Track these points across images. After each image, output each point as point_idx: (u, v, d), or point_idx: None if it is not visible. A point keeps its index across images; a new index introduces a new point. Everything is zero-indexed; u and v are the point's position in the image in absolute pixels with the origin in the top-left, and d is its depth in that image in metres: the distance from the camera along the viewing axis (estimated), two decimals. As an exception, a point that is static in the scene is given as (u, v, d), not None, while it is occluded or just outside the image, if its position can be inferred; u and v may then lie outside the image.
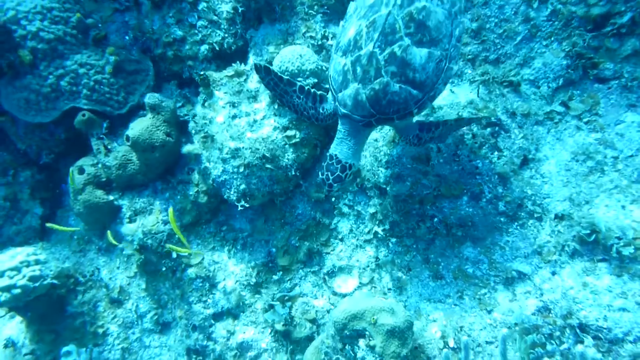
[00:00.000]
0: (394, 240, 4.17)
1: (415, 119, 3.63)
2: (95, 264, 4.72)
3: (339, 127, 3.51)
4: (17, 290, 3.97)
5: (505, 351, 2.40)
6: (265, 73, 3.73)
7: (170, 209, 3.83)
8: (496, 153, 3.78)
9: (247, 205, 4.19)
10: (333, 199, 4.26)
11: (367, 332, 3.33)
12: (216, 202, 4.53)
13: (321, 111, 3.73)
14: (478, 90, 3.90)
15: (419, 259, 4.11)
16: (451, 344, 3.57)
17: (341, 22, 3.52)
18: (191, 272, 4.50)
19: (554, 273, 3.62)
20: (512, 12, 3.89)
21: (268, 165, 4.07)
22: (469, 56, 4.01)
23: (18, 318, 4.79)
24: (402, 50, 3.05)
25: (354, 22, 3.30)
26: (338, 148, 3.50)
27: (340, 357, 3.49)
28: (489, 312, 3.69)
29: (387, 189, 3.99)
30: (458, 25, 3.16)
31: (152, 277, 4.60)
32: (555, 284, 3.59)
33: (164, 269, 4.47)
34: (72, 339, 4.49)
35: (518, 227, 3.78)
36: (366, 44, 3.13)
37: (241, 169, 4.06)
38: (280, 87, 3.78)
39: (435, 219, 3.87)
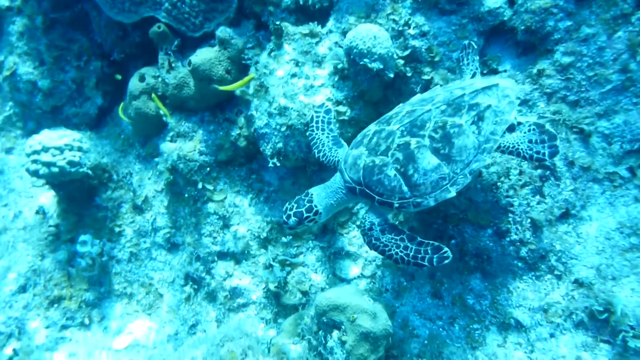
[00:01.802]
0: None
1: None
2: (131, 168, 4.94)
3: (334, 177, 3.50)
4: (55, 169, 4.23)
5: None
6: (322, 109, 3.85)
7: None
8: (538, 197, 3.57)
9: (278, 165, 4.21)
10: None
11: (343, 326, 3.33)
12: (254, 150, 4.57)
13: (333, 152, 3.67)
14: (544, 128, 3.65)
15: (426, 272, 4.02)
16: (424, 364, 3.53)
17: (400, 104, 3.54)
18: (210, 206, 4.63)
19: (552, 335, 3.46)
20: (611, 58, 3.55)
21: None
22: (548, 90, 3.73)
23: (52, 192, 5.15)
24: (416, 146, 3.09)
25: (405, 105, 3.42)
26: (318, 191, 3.48)
27: (312, 339, 3.54)
28: (474, 348, 3.60)
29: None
30: (479, 160, 3.13)
31: (175, 199, 4.77)
32: (549, 346, 3.43)
33: (187, 195, 4.62)
34: (92, 227, 4.78)
35: (533, 278, 3.60)
36: (394, 123, 3.23)
37: (283, 128, 4.06)
38: (320, 116, 3.84)
39: (453, 241, 3.75)
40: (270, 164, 4.19)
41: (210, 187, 4.62)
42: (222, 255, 4.66)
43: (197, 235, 4.70)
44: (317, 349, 3.50)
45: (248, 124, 4.40)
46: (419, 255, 3.15)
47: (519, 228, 3.56)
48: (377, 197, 3.21)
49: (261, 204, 4.69)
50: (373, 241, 3.30)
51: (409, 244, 3.22)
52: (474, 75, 3.62)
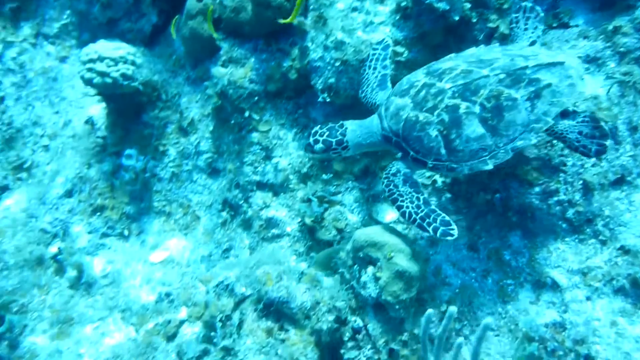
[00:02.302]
0: (448, 195, 4.05)
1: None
2: (180, 90, 4.97)
3: (370, 118, 3.42)
4: (109, 80, 4.29)
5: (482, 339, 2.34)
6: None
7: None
8: (593, 160, 3.45)
9: (328, 100, 4.16)
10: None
11: (379, 263, 3.36)
12: (303, 84, 4.51)
13: (374, 94, 3.59)
14: (610, 89, 3.47)
15: (464, 224, 3.98)
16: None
17: (452, 54, 3.38)
18: (255, 136, 4.65)
19: (588, 298, 3.42)
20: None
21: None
22: (621, 49, 3.53)
23: (102, 104, 5.24)
24: (465, 111, 2.99)
25: (458, 59, 3.24)
26: (353, 127, 3.40)
27: (346, 272, 3.59)
28: (505, 302, 3.59)
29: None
30: (525, 138, 3.01)
31: (220, 124, 4.80)
32: (584, 308, 3.40)
33: (233, 122, 4.63)
34: (137, 144, 4.87)
35: (576, 240, 3.53)
36: (447, 80, 3.08)
37: (337, 63, 3.99)
38: (376, 54, 3.72)
39: (498, 195, 3.68)
40: (320, 99, 4.15)
41: (257, 117, 4.62)
42: (261, 186, 4.71)
43: (239, 163, 4.75)
44: (349, 283, 3.56)
45: (301, 56, 4.33)
46: (427, 220, 3.09)
47: (569, 189, 3.46)
48: (412, 153, 3.17)
49: (305, 140, 4.67)
50: (391, 186, 3.25)
51: (422, 205, 3.16)
52: (532, 44, 3.43)
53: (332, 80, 4.06)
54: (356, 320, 3.49)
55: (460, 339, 2.23)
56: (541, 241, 3.62)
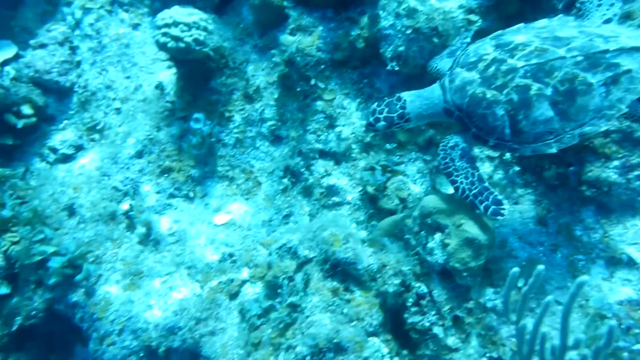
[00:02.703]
0: (517, 169, 3.99)
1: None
2: (247, 57, 5.05)
3: (431, 88, 3.34)
4: (182, 45, 4.42)
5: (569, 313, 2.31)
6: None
7: None
8: (679, 134, 3.31)
9: (397, 69, 4.15)
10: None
11: (447, 230, 3.37)
12: (370, 53, 4.50)
13: (440, 64, 3.55)
14: None
15: (532, 198, 3.93)
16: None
17: (521, 25, 3.26)
18: (319, 104, 4.69)
19: (665, 277, 3.32)
20: None
21: (435, 40, 3.92)
22: None
23: (172, 70, 5.40)
24: (537, 92, 2.89)
25: (530, 32, 3.11)
26: (412, 98, 3.32)
27: (412, 239, 3.62)
28: (575, 277, 3.53)
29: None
30: (594, 125, 2.93)
31: (285, 92, 4.87)
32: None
33: (299, 89, 4.69)
34: (204, 109, 5.00)
35: (654, 218, 3.42)
36: (519, 58, 2.97)
37: (408, 31, 3.96)
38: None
39: (572, 168, 3.60)
40: (389, 67, 4.14)
41: (322, 85, 4.66)
42: (323, 154, 4.77)
43: (302, 131, 4.81)
44: (414, 249, 3.59)
45: (371, 24, 4.31)
46: (479, 197, 3.11)
47: (652, 164, 3.34)
48: (474, 129, 3.13)
49: (365, 118, 4.68)
50: (447, 160, 3.22)
51: (476, 182, 3.16)
52: (607, 21, 3.27)
53: (401, 48, 4.03)
54: (420, 287, 3.53)
55: (550, 297, 2.22)
56: (617, 217, 3.52)
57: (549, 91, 2.90)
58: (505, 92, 2.97)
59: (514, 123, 2.98)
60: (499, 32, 3.30)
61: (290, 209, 4.90)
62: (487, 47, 3.18)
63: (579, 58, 2.91)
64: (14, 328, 4.80)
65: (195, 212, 5.08)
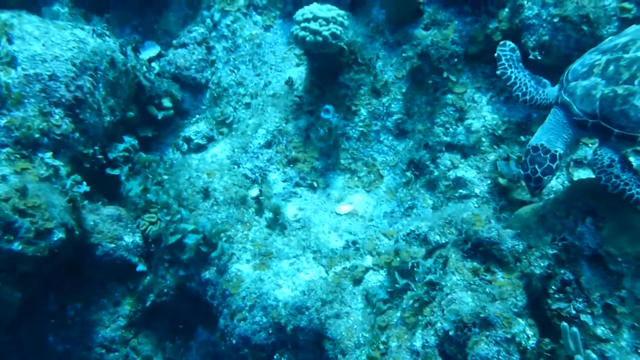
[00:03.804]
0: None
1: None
2: (376, 53, 5.23)
3: (549, 117, 3.29)
4: (320, 38, 4.67)
5: None
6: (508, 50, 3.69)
7: None
8: None
9: (540, 58, 4.13)
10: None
11: (600, 214, 3.27)
12: (507, 46, 4.51)
13: (540, 92, 3.49)
14: None
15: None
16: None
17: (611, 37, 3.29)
18: (449, 97, 4.75)
19: None
20: None
21: (584, 28, 3.87)
22: None
23: (300, 68, 5.71)
24: None
25: (628, 35, 3.14)
26: (544, 137, 3.24)
27: (557, 223, 3.53)
28: None
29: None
30: None
31: (415, 86, 4.98)
32: None
33: (430, 82, 4.78)
34: (331, 103, 5.21)
35: None
36: (636, 51, 2.97)
37: (555, 19, 3.94)
38: (509, 57, 3.68)
39: None
40: (531, 56, 4.13)
41: (454, 79, 4.72)
42: (451, 147, 4.80)
43: (430, 124, 4.88)
44: (561, 234, 3.49)
45: (512, 15, 4.33)
46: None
47: None
48: (616, 131, 3.01)
49: (500, 104, 4.67)
50: (613, 179, 3.05)
51: None
52: None
53: (546, 37, 4.02)
54: (566, 273, 3.42)
55: None
56: None
57: None
58: (637, 82, 2.92)
59: None
60: (594, 47, 3.30)
61: (412, 202, 4.95)
62: (592, 57, 3.18)
63: None
64: (148, 304, 5.19)
65: (319, 202, 5.26)
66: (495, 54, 3.72)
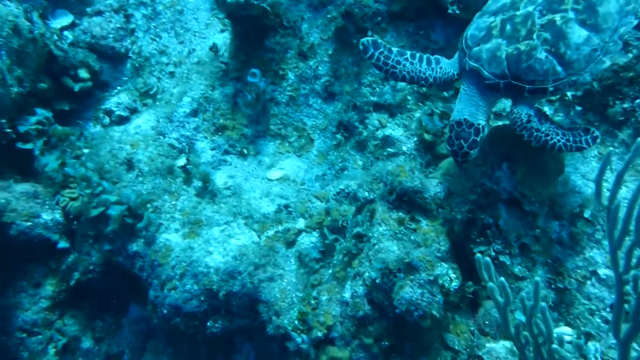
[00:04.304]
0: (578, 109, 3.99)
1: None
2: (302, 14, 5.15)
3: (463, 88, 3.33)
4: (241, 0, 4.53)
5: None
6: (373, 48, 3.54)
7: None
8: None
9: (458, 12, 4.20)
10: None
11: (515, 158, 3.39)
12: (427, 3, 4.57)
13: (439, 70, 3.50)
14: None
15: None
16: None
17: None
18: (375, 57, 4.75)
19: None
20: None
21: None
22: None
23: (224, 34, 5.55)
24: (563, 21, 2.93)
25: None
26: (465, 110, 3.26)
27: (477, 170, 3.63)
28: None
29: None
30: (626, 24, 3.03)
31: (340, 47, 4.95)
32: None
33: (355, 41, 4.76)
34: (258, 68, 5.10)
35: None
36: (525, 6, 3.08)
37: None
38: (391, 59, 3.54)
39: (638, 101, 3.59)
40: (450, 11, 4.20)
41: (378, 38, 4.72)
42: (378, 107, 4.83)
43: (357, 85, 4.88)
44: (480, 181, 3.60)
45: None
46: (577, 139, 3.16)
47: None
48: (527, 87, 3.09)
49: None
50: (535, 133, 3.15)
51: (564, 131, 3.18)
52: None
53: (464, -9, 4.09)
54: (485, 217, 3.54)
55: None
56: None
57: (571, 14, 2.98)
58: (535, 36, 3.02)
59: (560, 57, 3.00)
60: (480, 12, 3.43)
61: (343, 164, 4.96)
62: (486, 21, 3.25)
63: None
64: (72, 283, 4.94)
65: (249, 169, 5.18)
66: (372, 62, 3.58)
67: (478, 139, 3.21)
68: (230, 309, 4.35)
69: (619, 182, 2.23)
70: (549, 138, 3.16)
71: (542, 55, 3.01)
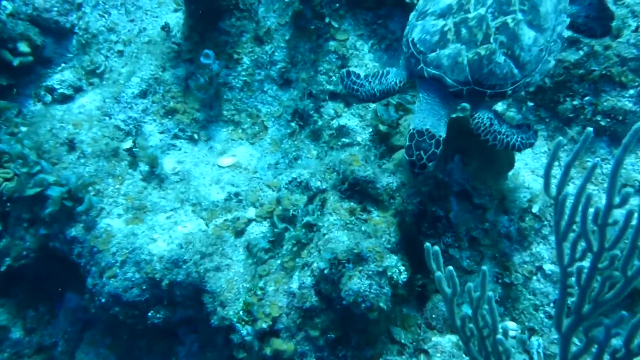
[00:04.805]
0: (530, 104, 4.03)
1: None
2: (259, -2, 4.99)
3: (421, 96, 3.19)
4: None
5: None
6: (347, 77, 3.69)
7: None
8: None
9: (416, 2, 4.14)
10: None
11: (468, 151, 3.38)
12: (386, -7, 4.51)
13: (385, 82, 3.43)
14: None
15: (544, 134, 3.97)
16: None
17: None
18: (332, 44, 4.67)
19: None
20: None
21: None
22: None
23: (178, 14, 5.31)
24: (515, 23, 2.93)
25: None
26: (428, 120, 3.11)
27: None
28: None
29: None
30: (561, 22, 3.10)
31: (298, 32, 4.82)
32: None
33: (312, 27, 4.65)
34: (212, 50, 4.91)
35: (667, 147, 3.48)
36: (475, 8, 3.00)
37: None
38: (356, 84, 3.66)
39: (587, 98, 3.65)
40: (408, 0, 4.14)
41: (336, 25, 4.63)
42: (334, 96, 4.75)
43: (313, 72, 4.77)
44: (432, 172, 3.57)
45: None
46: (526, 136, 3.21)
47: (668, 91, 3.41)
48: (489, 91, 3.03)
49: (381, 52, 4.69)
50: (499, 136, 3.14)
51: (519, 130, 3.23)
52: None
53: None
54: (437, 210, 3.51)
55: (597, 159, 2.23)
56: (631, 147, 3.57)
57: (520, 16, 2.97)
58: (492, 39, 2.96)
59: (516, 60, 2.99)
60: (419, 14, 3.29)
61: (297, 153, 4.85)
62: (436, 24, 3.11)
63: None
64: (2, 269, 4.63)
65: (200, 155, 4.99)
66: (346, 90, 3.72)
67: (438, 152, 3.08)
68: (174, 299, 4.18)
69: (567, 172, 2.21)
70: (509, 139, 3.17)
71: (501, 59, 2.97)
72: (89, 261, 4.34)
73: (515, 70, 3.01)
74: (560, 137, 2.19)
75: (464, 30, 3.01)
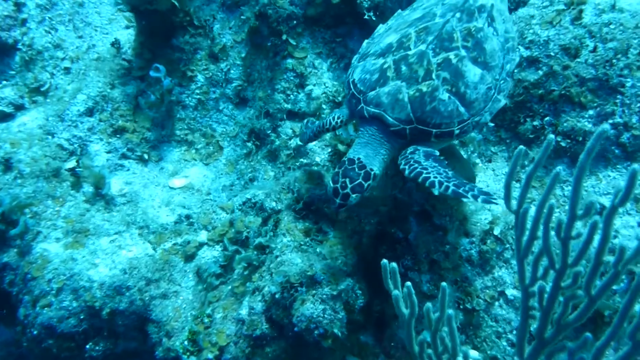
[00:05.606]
0: (491, 125, 3.96)
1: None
2: (214, 13, 4.84)
3: (361, 132, 2.98)
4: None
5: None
6: (305, 128, 3.71)
7: None
8: (653, 80, 3.38)
9: (374, 19, 4.08)
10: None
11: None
12: (345, 10, 4.42)
13: (331, 120, 3.21)
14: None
15: (505, 155, 3.90)
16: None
17: (365, 40, 3.38)
18: (290, 62, 4.54)
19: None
20: None
21: None
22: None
23: (129, 30, 5.11)
24: (458, 59, 2.83)
25: (391, 34, 3.13)
26: (362, 152, 2.86)
27: (388, 180, 3.45)
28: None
29: (516, 70, 3.71)
30: (510, 61, 3.05)
31: (254, 50, 4.68)
32: (635, 234, 3.30)
33: (269, 44, 4.51)
34: (164, 67, 4.71)
35: (628, 168, 3.44)
36: (416, 45, 2.91)
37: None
38: (305, 128, 3.72)
39: (547, 119, 3.60)
40: (366, 17, 4.07)
41: (293, 42, 4.51)
42: (292, 115, 4.60)
43: (270, 91, 4.62)
44: (392, 192, 3.42)
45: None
46: (462, 187, 2.57)
47: (626, 111, 3.39)
48: (434, 131, 2.80)
49: (340, 70, 4.59)
50: (411, 163, 2.73)
51: (451, 176, 2.68)
52: None
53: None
54: (396, 231, 3.35)
55: (559, 168, 2.11)
56: (590, 168, 3.52)
57: (463, 52, 2.88)
58: (434, 75, 2.81)
59: (462, 98, 2.83)
60: (360, 56, 3.25)
61: (253, 174, 4.64)
62: (375, 62, 2.98)
63: (458, 15, 3.00)
64: None
65: (150, 176, 4.72)
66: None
67: (365, 185, 2.76)
68: (115, 329, 3.85)
69: (528, 183, 2.09)
70: (425, 171, 2.67)
71: (444, 96, 2.79)
72: (22, 289, 3.97)
73: (462, 109, 2.83)
74: (521, 146, 2.07)
75: (404, 67, 2.86)
